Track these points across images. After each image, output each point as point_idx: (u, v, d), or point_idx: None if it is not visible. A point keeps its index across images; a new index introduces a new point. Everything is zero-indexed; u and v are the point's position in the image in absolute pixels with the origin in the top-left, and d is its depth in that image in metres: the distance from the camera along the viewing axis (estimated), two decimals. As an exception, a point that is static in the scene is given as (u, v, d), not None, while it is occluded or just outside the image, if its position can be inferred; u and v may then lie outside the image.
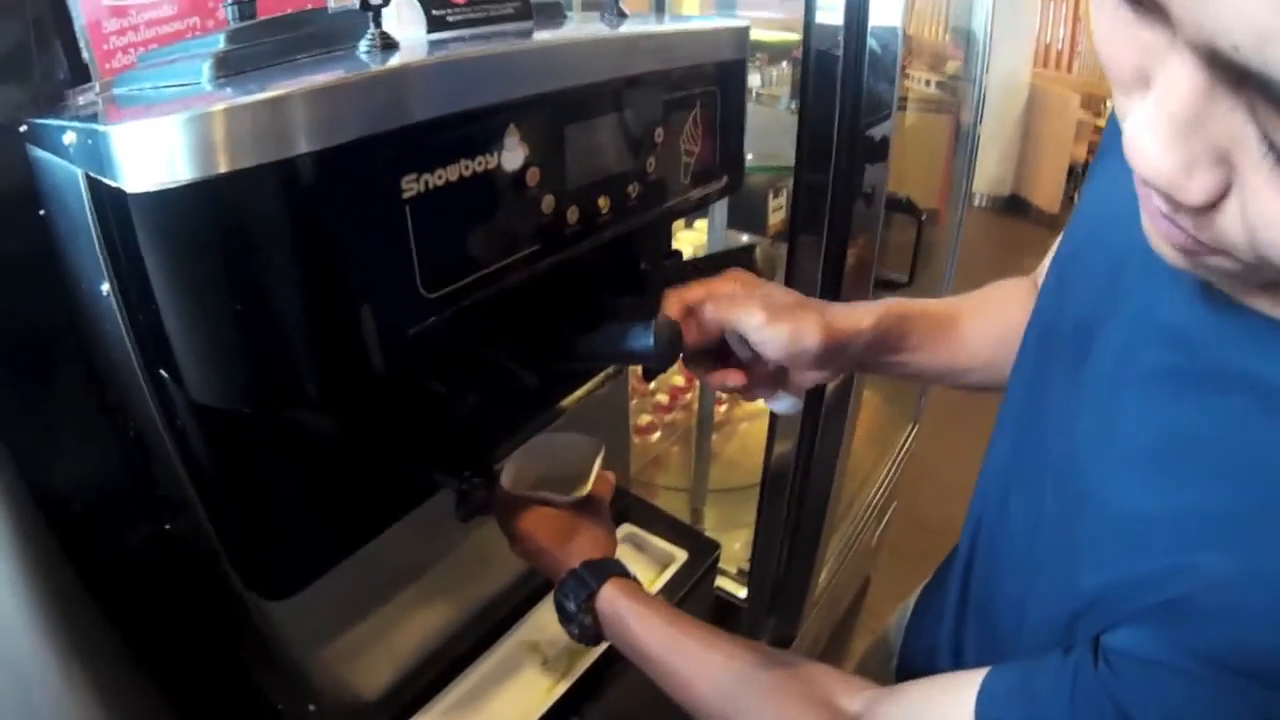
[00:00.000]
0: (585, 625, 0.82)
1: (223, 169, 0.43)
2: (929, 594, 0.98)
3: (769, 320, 0.72)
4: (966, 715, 0.55)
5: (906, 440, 2.39)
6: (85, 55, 0.62)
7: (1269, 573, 0.43)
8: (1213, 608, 0.44)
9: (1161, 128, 0.35)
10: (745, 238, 1.58)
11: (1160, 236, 0.43)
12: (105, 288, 0.52)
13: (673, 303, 0.78)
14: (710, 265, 0.96)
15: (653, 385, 2.07)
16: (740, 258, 0.83)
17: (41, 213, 0.57)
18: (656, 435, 2.04)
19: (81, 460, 0.64)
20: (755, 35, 2.00)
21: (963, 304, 0.88)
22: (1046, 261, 0.75)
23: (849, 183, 1.20)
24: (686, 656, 0.74)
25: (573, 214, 0.66)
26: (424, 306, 0.55)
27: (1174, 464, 0.49)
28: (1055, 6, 5.79)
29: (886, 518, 2.33)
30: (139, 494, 0.65)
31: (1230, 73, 0.31)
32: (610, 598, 0.81)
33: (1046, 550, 0.59)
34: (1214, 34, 0.30)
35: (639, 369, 0.90)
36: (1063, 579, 0.55)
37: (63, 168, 0.50)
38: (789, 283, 1.30)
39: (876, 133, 1.19)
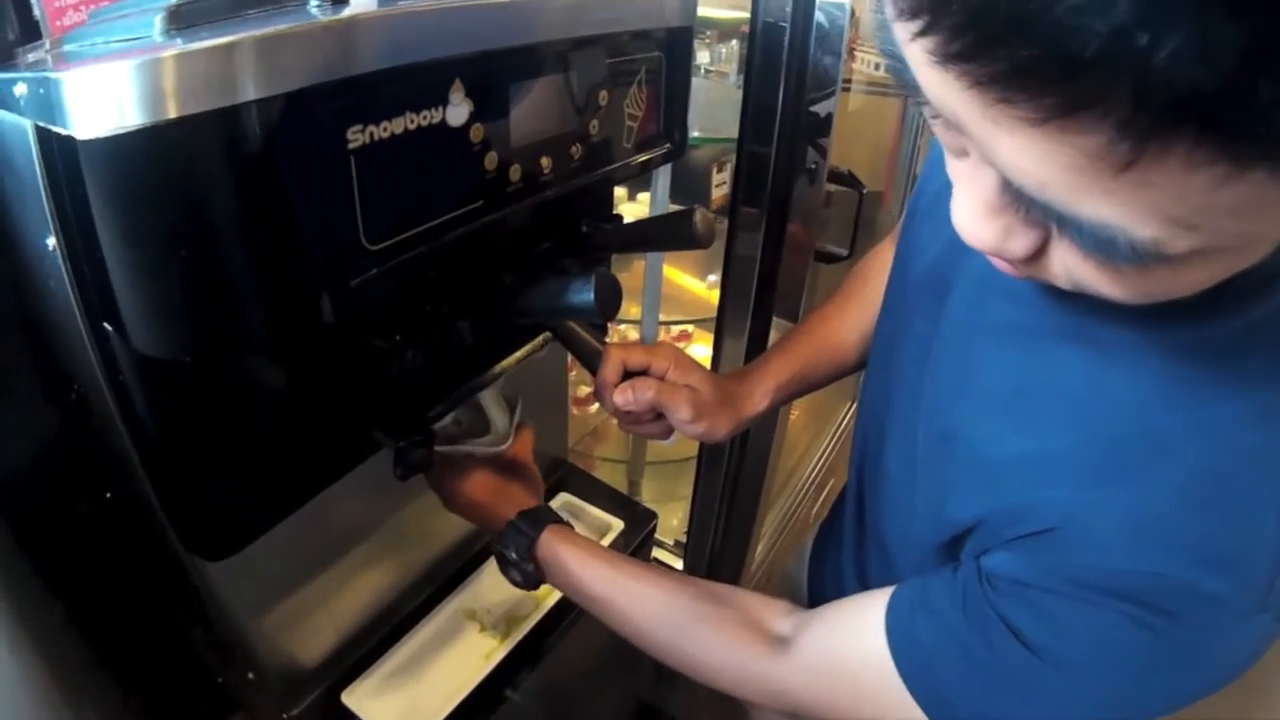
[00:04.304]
0: (528, 572, 0.85)
1: (172, 114, 0.43)
2: (828, 528, 1.07)
3: (693, 418, 0.90)
4: (878, 628, 0.61)
5: (844, 418, 2.42)
6: (36, 13, 0.60)
7: (1110, 502, 0.49)
8: (1069, 538, 0.51)
9: (977, 209, 0.42)
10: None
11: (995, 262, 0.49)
12: (51, 242, 0.51)
13: (613, 362, 0.91)
14: (651, 228, 0.96)
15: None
16: (680, 222, 0.84)
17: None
18: (595, 407, 2.04)
19: (22, 431, 0.63)
20: (706, 12, 1.99)
21: (831, 309, 1.04)
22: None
23: (791, 156, 1.21)
24: (627, 594, 0.79)
25: (515, 172, 0.66)
26: (366, 258, 0.56)
27: (1024, 410, 0.56)
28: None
29: (824, 494, 2.37)
30: (80, 463, 0.64)
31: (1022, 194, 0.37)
32: (549, 544, 0.84)
33: (921, 484, 0.66)
34: (1004, 172, 0.36)
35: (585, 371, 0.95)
36: (937, 510, 0.62)
37: (10, 123, 0.49)
38: (728, 256, 1.32)
39: (821, 108, 1.20)
